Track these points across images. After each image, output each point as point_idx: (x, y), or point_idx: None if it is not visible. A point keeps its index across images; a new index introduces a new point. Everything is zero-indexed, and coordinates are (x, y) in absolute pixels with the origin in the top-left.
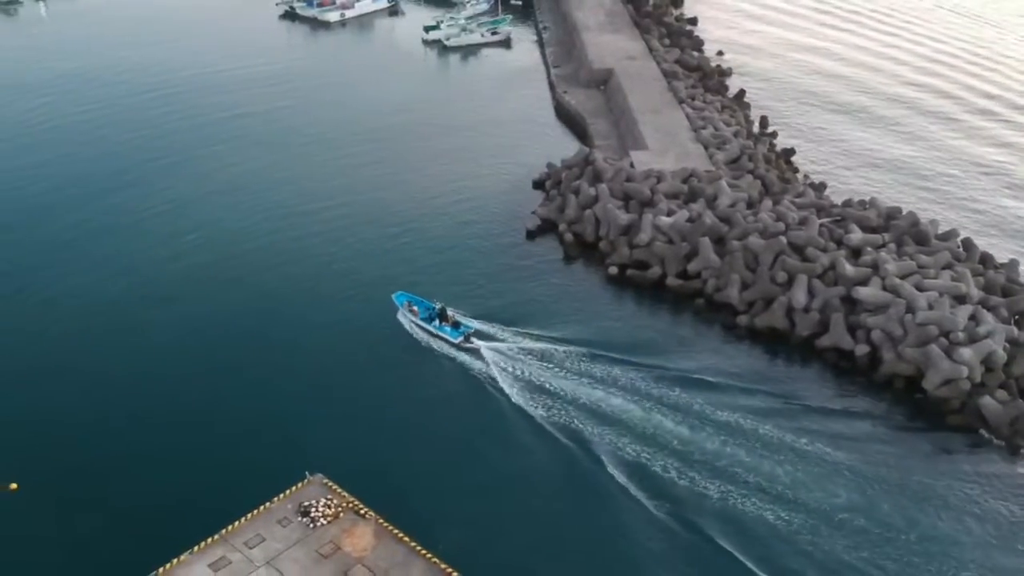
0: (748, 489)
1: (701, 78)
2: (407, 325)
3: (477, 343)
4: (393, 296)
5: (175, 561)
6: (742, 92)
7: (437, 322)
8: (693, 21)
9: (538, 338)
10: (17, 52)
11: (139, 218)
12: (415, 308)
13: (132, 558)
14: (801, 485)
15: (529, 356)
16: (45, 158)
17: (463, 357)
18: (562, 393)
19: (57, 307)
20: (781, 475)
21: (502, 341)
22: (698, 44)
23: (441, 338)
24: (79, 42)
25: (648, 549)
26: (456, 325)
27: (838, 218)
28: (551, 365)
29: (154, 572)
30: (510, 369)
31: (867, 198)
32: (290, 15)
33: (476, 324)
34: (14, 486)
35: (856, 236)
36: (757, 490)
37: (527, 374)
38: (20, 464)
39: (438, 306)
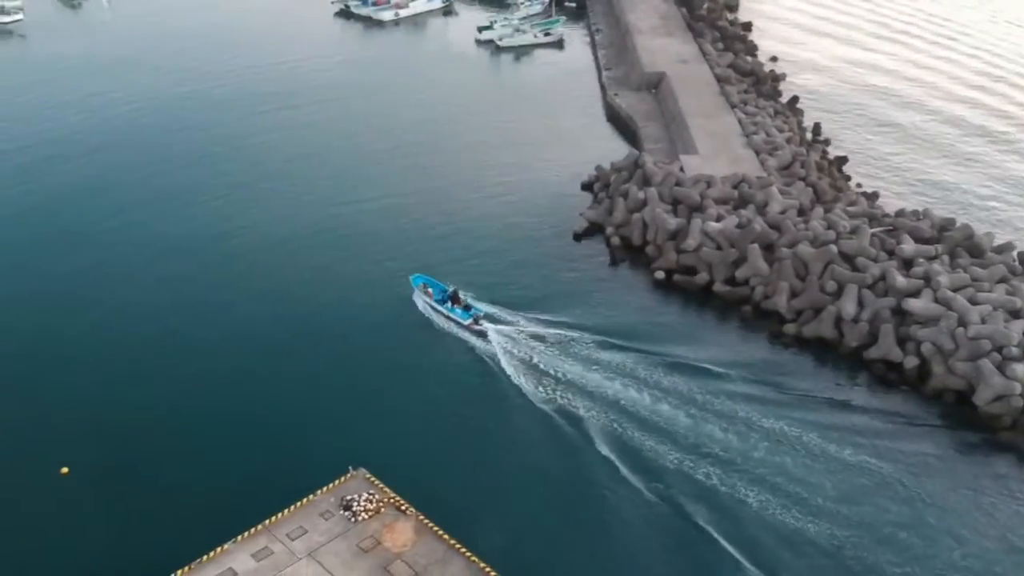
0: (789, 500)
1: (754, 83)
2: (421, 306)
3: (485, 325)
4: (410, 277)
5: (219, 550)
6: (795, 98)
7: (449, 304)
8: (747, 26)
9: (582, 329)
10: (79, 44)
11: (189, 205)
12: (430, 290)
13: (176, 546)
14: (846, 497)
15: (570, 356)
16: (98, 144)
17: (506, 352)
18: (603, 394)
19: (105, 292)
20: (828, 487)
21: (542, 340)
22: (752, 49)
23: (452, 319)
24: (138, 35)
25: (685, 558)
26: (467, 308)
27: (890, 228)
28: (595, 364)
29: (198, 560)
30: (538, 360)
31: (920, 209)
32: (344, 13)
33: (522, 321)
34: (65, 470)
35: (908, 247)
36: (798, 501)
37: (561, 369)
38: (71, 450)
39: (451, 289)
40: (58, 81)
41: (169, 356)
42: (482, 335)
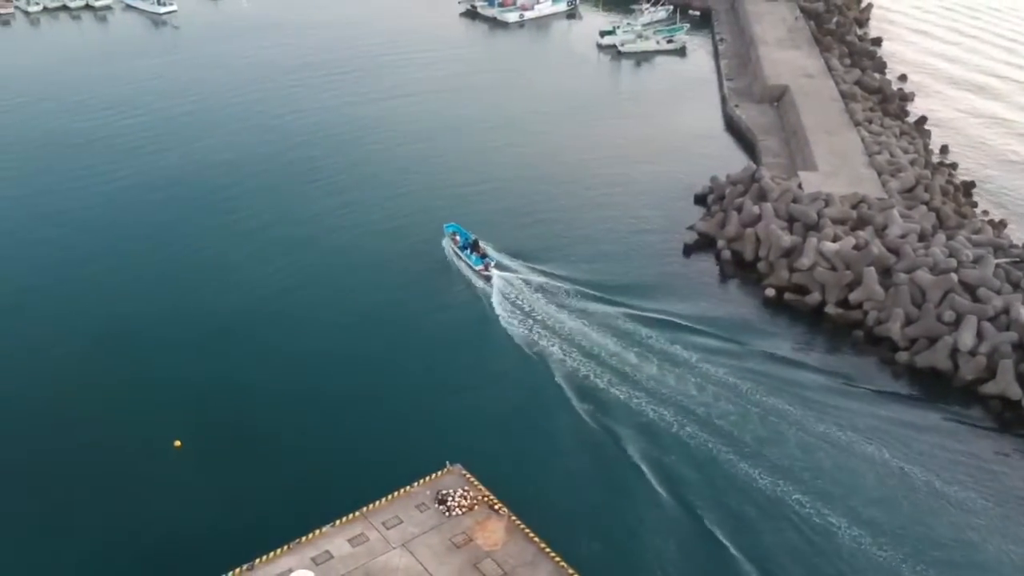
0: (884, 536)
1: (880, 101)
2: (447, 250)
3: (492, 272)
4: (444, 226)
5: (316, 532)
6: (923, 119)
7: (469, 251)
8: (877, 42)
9: (681, 343)
10: (221, 33)
11: (312, 183)
12: (457, 237)
13: (276, 524)
14: (952, 540)
15: (669, 361)
16: (226, 130)
17: (599, 364)
18: (707, 412)
19: (218, 278)
20: (935, 526)
21: (647, 346)
22: (880, 66)
23: (467, 263)
24: (271, 27)
25: None
26: (483, 255)
27: (1017, 259)
28: (700, 376)
29: (296, 540)
30: (629, 370)
31: None
32: (471, 14)
33: (624, 321)
34: (178, 444)
35: None
36: (896, 537)
37: (655, 377)
38: (185, 426)
39: (472, 237)
40: (206, 65)
41: (282, 340)
42: (487, 279)
